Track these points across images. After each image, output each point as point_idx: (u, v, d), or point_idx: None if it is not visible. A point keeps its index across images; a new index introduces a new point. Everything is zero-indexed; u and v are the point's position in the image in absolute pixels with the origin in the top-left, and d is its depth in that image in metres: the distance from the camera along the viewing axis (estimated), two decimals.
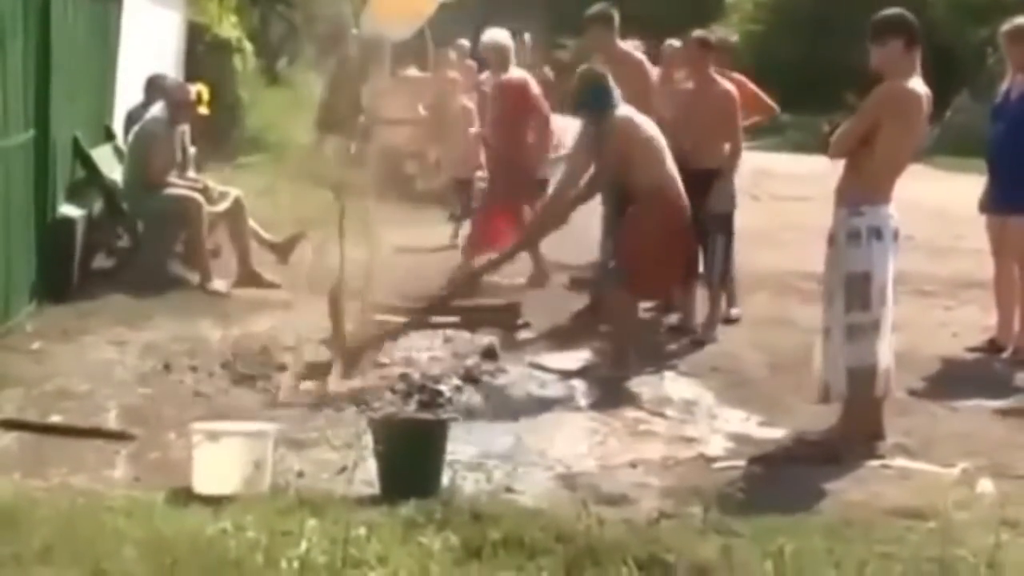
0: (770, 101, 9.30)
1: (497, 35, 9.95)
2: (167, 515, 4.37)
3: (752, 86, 9.15)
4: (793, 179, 15.01)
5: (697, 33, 8.61)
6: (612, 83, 7.43)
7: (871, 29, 6.00)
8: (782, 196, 13.57)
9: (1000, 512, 4.85)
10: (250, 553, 3.72)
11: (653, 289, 7.68)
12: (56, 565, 3.71)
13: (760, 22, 26.01)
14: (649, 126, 7.49)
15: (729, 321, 8.45)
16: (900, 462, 5.79)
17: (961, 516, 4.85)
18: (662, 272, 7.40)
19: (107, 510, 4.31)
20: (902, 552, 4.38)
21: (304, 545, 3.67)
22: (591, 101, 7.41)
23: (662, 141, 7.45)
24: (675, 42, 9.65)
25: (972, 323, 8.40)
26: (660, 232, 7.21)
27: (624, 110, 7.40)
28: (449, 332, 7.90)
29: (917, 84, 5.97)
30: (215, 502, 4.60)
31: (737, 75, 8.95)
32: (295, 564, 3.56)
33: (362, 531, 3.91)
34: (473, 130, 12.96)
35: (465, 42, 15.83)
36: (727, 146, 8.31)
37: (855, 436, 5.95)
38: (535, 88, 9.83)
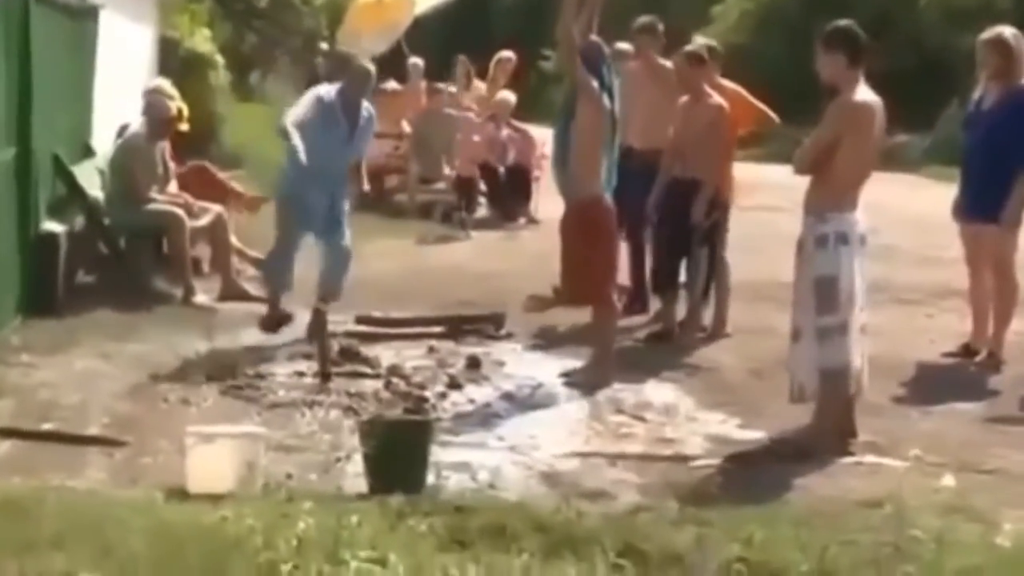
0: (768, 110, 9.02)
1: None
2: (168, 508, 4.54)
3: (748, 97, 8.94)
4: (776, 189, 15.17)
5: (689, 48, 8.52)
6: None
7: (821, 37, 6.20)
8: (767, 206, 13.73)
9: (956, 500, 5.08)
10: (249, 535, 3.90)
11: (586, 294, 7.52)
12: (68, 551, 3.90)
13: (745, 32, 26.11)
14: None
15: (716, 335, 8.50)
16: (870, 458, 5.99)
17: (916, 503, 5.07)
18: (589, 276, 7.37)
19: (111, 504, 4.47)
20: (864, 538, 4.57)
21: (301, 525, 3.84)
22: None
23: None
24: (625, 45, 9.37)
25: (950, 330, 8.50)
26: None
27: None
28: (433, 342, 8.14)
29: (867, 95, 6.16)
30: (211, 499, 4.76)
31: (733, 86, 8.82)
32: (292, 543, 3.73)
33: (354, 519, 4.07)
34: None
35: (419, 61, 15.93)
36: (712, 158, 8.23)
37: (828, 433, 6.14)
38: None
